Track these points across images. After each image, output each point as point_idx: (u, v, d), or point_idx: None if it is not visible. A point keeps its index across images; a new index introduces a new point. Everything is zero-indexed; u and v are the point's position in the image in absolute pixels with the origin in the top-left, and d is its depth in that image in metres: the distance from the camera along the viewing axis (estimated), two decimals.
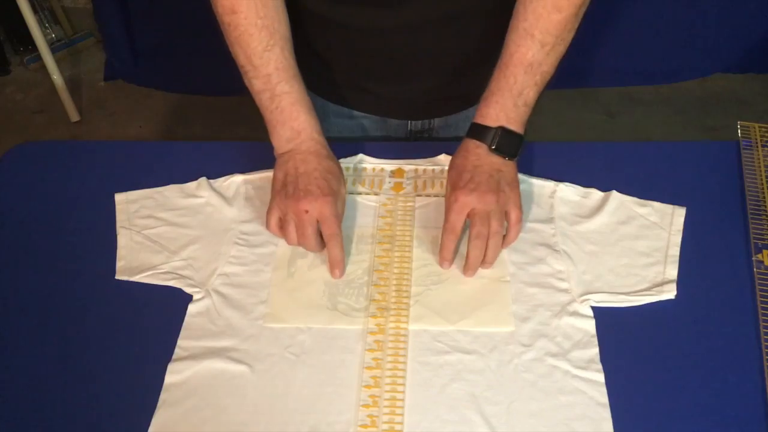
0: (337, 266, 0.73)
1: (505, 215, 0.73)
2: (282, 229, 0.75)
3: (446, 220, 0.73)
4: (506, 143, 0.74)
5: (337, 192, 0.75)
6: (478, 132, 0.75)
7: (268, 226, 0.76)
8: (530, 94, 0.74)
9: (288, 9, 0.90)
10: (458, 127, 0.96)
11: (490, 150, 0.74)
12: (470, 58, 0.86)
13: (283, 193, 0.74)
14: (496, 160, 0.74)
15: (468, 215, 0.73)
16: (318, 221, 0.73)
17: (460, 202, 0.72)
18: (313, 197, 0.72)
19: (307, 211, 0.72)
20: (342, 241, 0.73)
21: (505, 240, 0.74)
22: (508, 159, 0.74)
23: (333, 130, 0.96)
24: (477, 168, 0.73)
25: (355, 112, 0.94)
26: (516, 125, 0.75)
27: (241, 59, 0.77)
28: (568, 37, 0.74)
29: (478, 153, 0.74)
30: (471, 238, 0.72)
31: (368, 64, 0.87)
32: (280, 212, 0.75)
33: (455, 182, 0.74)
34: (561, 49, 0.74)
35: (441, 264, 0.74)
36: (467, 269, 0.73)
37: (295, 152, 0.76)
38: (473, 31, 0.83)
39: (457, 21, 0.81)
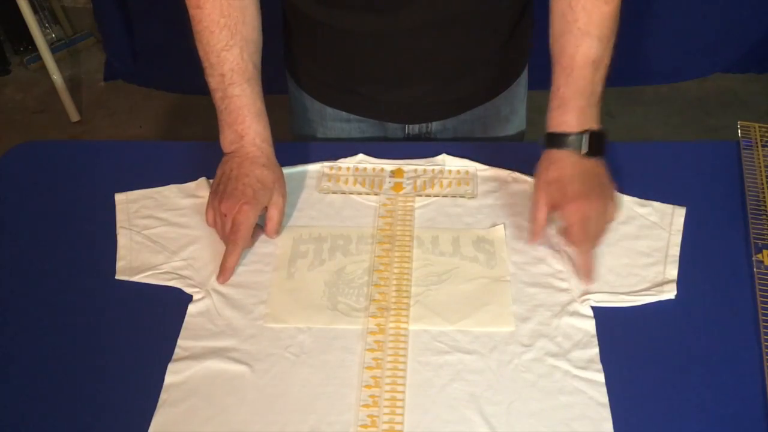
0: (223, 273, 0.73)
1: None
2: (215, 223, 0.76)
3: (570, 227, 0.72)
4: (596, 145, 0.73)
5: (258, 201, 0.75)
6: (565, 141, 0.73)
7: (206, 220, 0.77)
8: (599, 91, 0.74)
9: (285, 13, 0.90)
10: (456, 130, 0.95)
11: (582, 156, 0.73)
12: (468, 61, 0.86)
13: (215, 191, 0.76)
14: (589, 165, 0.73)
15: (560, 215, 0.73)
16: (232, 230, 0.73)
17: (581, 213, 0.71)
18: (233, 202, 0.73)
19: (225, 214, 0.74)
20: (240, 252, 0.74)
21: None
22: (598, 159, 0.74)
23: (330, 133, 0.96)
24: (577, 176, 0.72)
25: (353, 116, 0.94)
26: (597, 124, 0.74)
27: (201, 54, 0.78)
28: (617, 26, 0.74)
29: (572, 162, 0.73)
30: (574, 242, 0.72)
31: (366, 69, 0.87)
32: (212, 208, 0.76)
33: (565, 194, 0.72)
34: (614, 39, 0.75)
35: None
36: (587, 279, 0.72)
37: (234, 155, 0.77)
38: (470, 34, 0.83)
39: (454, 25, 0.81)
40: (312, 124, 0.96)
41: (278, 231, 0.78)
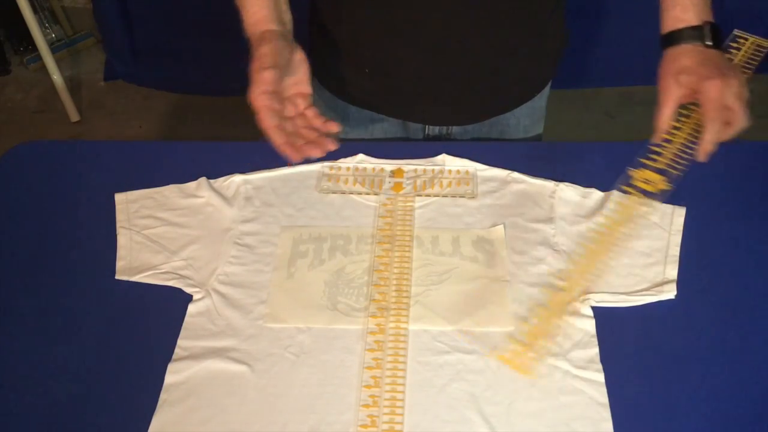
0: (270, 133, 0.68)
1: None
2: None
3: (708, 102, 0.70)
4: (716, 36, 0.74)
5: (258, 74, 0.70)
6: (687, 34, 0.74)
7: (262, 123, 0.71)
8: None
9: (312, 9, 0.90)
10: (474, 132, 0.96)
11: (706, 47, 0.73)
12: (496, 67, 0.86)
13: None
14: (715, 54, 0.73)
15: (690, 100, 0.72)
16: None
17: (718, 83, 0.70)
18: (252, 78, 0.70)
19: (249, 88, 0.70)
20: (268, 113, 0.68)
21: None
22: (721, 50, 0.74)
23: (351, 133, 0.96)
24: (708, 62, 0.72)
25: (376, 116, 0.94)
26: (711, 16, 0.74)
27: None
28: None
29: (698, 51, 0.73)
30: (711, 112, 0.70)
31: (396, 67, 0.86)
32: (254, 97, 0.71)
33: (699, 75, 0.71)
34: None
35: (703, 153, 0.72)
36: (708, 144, 0.71)
37: (252, 40, 0.74)
38: (502, 39, 0.83)
39: (489, 27, 0.81)
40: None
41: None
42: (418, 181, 0.84)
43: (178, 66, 2.21)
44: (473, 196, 0.82)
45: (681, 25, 0.74)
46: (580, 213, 0.79)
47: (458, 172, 0.85)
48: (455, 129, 0.95)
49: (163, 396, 0.64)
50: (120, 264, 0.76)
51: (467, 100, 0.90)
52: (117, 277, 0.75)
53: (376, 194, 0.83)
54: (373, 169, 0.86)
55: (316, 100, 0.97)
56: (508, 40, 0.84)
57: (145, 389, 0.65)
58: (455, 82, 0.87)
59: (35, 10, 2.14)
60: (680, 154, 0.74)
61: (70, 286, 0.75)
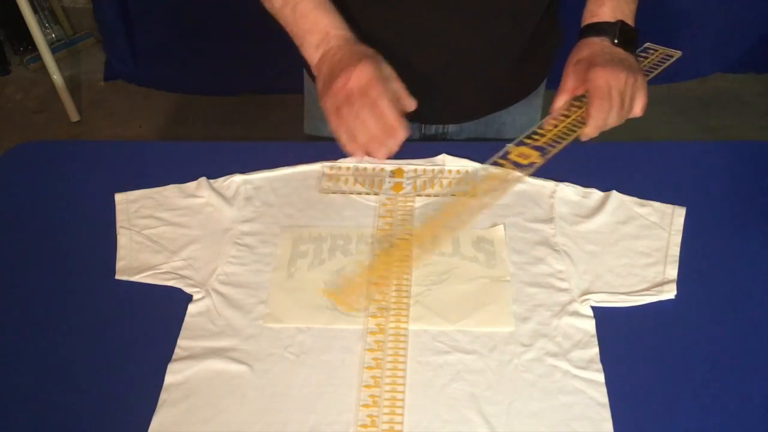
0: (393, 132, 0.69)
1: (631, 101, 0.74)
2: (341, 123, 0.71)
3: (594, 89, 0.73)
4: (627, 37, 0.75)
5: (374, 56, 0.71)
6: (598, 29, 0.75)
7: (335, 133, 0.72)
8: None
9: None
10: (470, 132, 0.96)
11: (613, 44, 0.75)
12: (491, 66, 0.87)
13: (328, 90, 0.71)
14: (621, 52, 0.75)
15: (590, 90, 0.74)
16: (364, 92, 0.68)
17: (606, 71, 0.72)
18: (350, 68, 0.69)
19: (347, 82, 0.69)
20: (389, 101, 0.68)
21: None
22: (630, 53, 0.75)
23: None
24: (607, 54, 0.74)
25: None
26: (631, 20, 0.76)
27: None
28: None
29: (603, 45, 0.75)
30: (595, 99, 0.72)
31: (391, 65, 0.86)
32: (333, 107, 0.71)
33: (592, 63, 0.73)
34: None
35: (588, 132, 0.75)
36: (590, 128, 0.73)
37: (327, 54, 0.74)
38: (497, 37, 0.83)
39: (483, 25, 0.81)
40: (327, 123, 0.96)
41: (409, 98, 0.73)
42: (418, 181, 0.84)
43: (178, 66, 2.22)
44: (473, 196, 0.82)
45: (594, 20, 0.76)
46: (580, 213, 0.79)
47: (458, 172, 0.85)
48: (451, 128, 0.95)
49: (163, 396, 0.64)
50: (120, 264, 0.76)
51: (462, 99, 0.90)
52: (117, 277, 0.75)
53: (376, 194, 0.83)
54: (373, 169, 0.86)
55: (310, 99, 0.97)
56: (502, 38, 0.84)
57: (145, 389, 0.65)
58: (450, 81, 0.87)
59: (35, 10, 2.14)
60: (561, 136, 0.75)
61: (70, 286, 0.75)
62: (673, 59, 0.85)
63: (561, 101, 0.74)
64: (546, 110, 1.02)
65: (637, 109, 0.77)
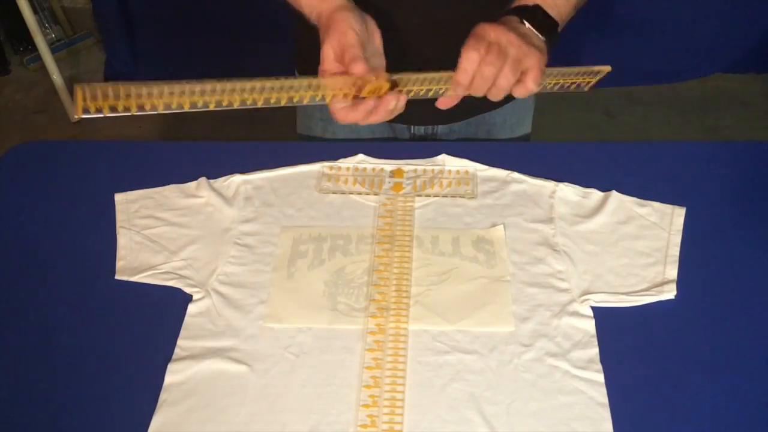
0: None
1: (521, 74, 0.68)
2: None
3: (471, 35, 0.67)
4: (542, 22, 0.70)
5: (351, 8, 0.68)
6: (513, 11, 0.71)
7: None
8: None
9: (296, 10, 0.90)
10: (461, 132, 0.96)
11: (521, 22, 0.70)
12: None
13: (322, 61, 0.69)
14: (526, 29, 0.69)
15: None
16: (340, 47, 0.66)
17: (493, 26, 0.66)
18: (330, 29, 0.67)
19: (324, 41, 0.67)
20: (362, 60, 0.65)
21: (516, 88, 0.68)
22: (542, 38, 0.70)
23: (340, 133, 0.96)
24: (506, 25, 0.68)
25: None
26: (552, 11, 0.72)
27: None
28: None
29: (509, 19, 0.70)
30: (470, 40, 0.66)
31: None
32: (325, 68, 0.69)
33: (476, 35, 0.67)
34: None
35: (453, 90, 0.69)
36: (460, 74, 0.66)
37: (320, 20, 0.72)
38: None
39: (467, 25, 0.81)
40: (320, 123, 0.96)
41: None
42: (418, 181, 0.84)
43: (178, 66, 2.22)
44: (473, 196, 0.82)
45: (515, 4, 0.73)
46: (580, 213, 0.79)
47: (458, 172, 0.85)
48: (440, 129, 0.95)
49: (163, 396, 0.64)
50: (120, 264, 0.76)
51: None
52: (117, 277, 0.75)
53: (376, 194, 0.83)
54: (373, 169, 0.86)
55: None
56: None
57: (145, 389, 0.65)
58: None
59: (35, 10, 2.14)
60: (424, 89, 0.71)
61: (70, 286, 0.75)
62: (601, 75, 0.81)
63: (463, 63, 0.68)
64: (550, 112, 1.02)
65: (528, 80, 0.68)
